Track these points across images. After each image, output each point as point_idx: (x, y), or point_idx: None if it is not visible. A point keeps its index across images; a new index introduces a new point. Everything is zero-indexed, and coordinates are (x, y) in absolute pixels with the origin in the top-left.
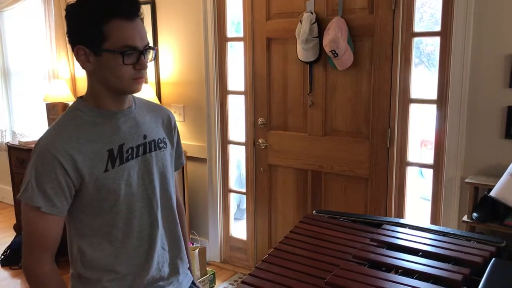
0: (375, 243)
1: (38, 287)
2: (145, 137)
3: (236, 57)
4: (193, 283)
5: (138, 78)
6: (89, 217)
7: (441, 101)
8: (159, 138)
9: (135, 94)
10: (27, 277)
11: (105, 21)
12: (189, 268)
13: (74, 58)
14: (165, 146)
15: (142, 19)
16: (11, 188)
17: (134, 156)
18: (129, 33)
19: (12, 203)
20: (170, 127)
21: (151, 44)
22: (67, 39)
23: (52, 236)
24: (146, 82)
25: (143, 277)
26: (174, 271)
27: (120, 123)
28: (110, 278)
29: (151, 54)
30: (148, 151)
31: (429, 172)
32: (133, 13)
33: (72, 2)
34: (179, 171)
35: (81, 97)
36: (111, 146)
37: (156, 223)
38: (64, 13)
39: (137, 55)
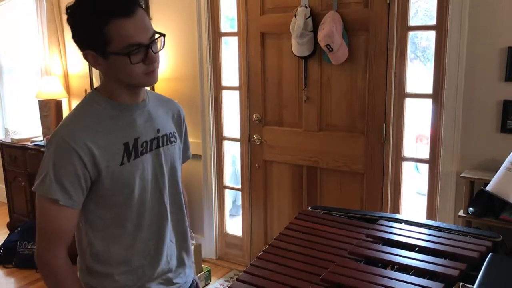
0: (370, 239)
1: (53, 279)
2: (158, 131)
3: (230, 52)
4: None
5: (150, 72)
6: (102, 210)
7: (437, 95)
8: (171, 132)
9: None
10: (42, 269)
11: (104, 24)
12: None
13: (64, 54)
14: (175, 140)
15: (143, 8)
16: (3, 186)
17: (148, 150)
18: (130, 31)
19: (5, 201)
20: (179, 121)
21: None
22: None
23: (68, 229)
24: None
25: (153, 270)
26: (181, 263)
27: (135, 116)
28: (121, 271)
29: (159, 43)
30: (160, 145)
31: (425, 167)
32: (131, 8)
33: (70, 6)
34: None
35: (96, 88)
36: (127, 140)
37: (165, 216)
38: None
39: (144, 50)
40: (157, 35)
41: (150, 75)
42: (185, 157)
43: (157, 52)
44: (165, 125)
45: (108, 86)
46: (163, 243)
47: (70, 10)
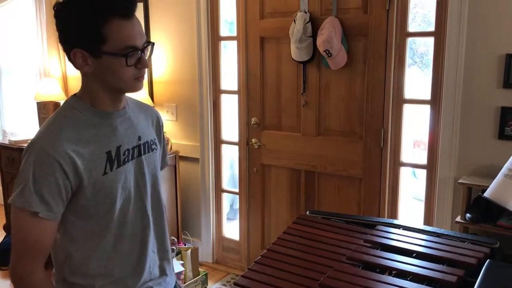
0: (369, 244)
1: None
2: (139, 138)
3: (229, 56)
4: (176, 283)
5: (140, 77)
6: (83, 220)
7: (435, 101)
8: (152, 140)
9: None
10: (17, 286)
11: (103, 22)
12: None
13: (63, 56)
14: (156, 147)
15: None
16: (0, 188)
17: (130, 158)
18: (129, 32)
19: (2, 203)
20: (159, 128)
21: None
22: (59, 42)
23: (47, 242)
24: None
25: (136, 281)
26: (162, 272)
27: (117, 123)
28: (103, 283)
29: (149, 50)
30: (142, 153)
31: (422, 173)
32: (131, 11)
33: (61, 1)
34: (171, 171)
35: (75, 94)
36: (109, 148)
37: (148, 226)
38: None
39: (138, 54)
40: (146, 43)
41: (139, 80)
42: (163, 164)
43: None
44: (145, 132)
45: (91, 91)
46: (146, 253)
47: (61, 5)
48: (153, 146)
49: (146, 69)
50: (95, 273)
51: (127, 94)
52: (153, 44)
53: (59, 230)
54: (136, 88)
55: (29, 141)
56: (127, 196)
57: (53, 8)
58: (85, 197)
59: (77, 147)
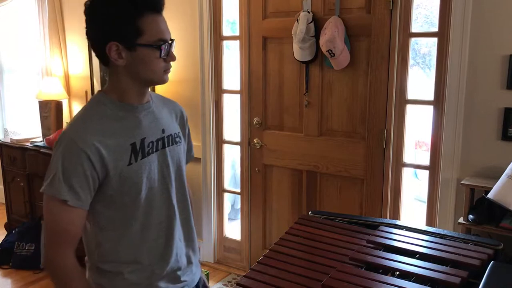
0: (371, 245)
1: (62, 280)
2: (163, 131)
3: (232, 56)
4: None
5: (168, 69)
6: (110, 210)
7: (438, 102)
8: (175, 133)
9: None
10: (51, 271)
11: (139, 15)
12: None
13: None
14: (180, 140)
15: None
16: (1, 186)
17: (154, 150)
18: (160, 26)
19: (3, 201)
20: (183, 122)
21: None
22: (88, 38)
23: (77, 229)
24: None
25: (163, 268)
26: (189, 261)
27: (141, 117)
28: (131, 269)
29: (173, 46)
30: (166, 146)
31: (424, 173)
32: (162, 6)
33: None
34: None
35: (102, 90)
36: (134, 140)
37: (173, 215)
38: (80, 8)
39: (168, 47)
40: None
41: (166, 73)
42: (189, 157)
43: None
44: (170, 125)
45: (118, 86)
46: (172, 241)
47: (96, 1)
48: (177, 139)
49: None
50: (124, 261)
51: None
52: (174, 40)
53: (89, 219)
54: (164, 80)
55: (60, 134)
56: (152, 186)
57: (85, 4)
58: (112, 187)
59: (103, 138)
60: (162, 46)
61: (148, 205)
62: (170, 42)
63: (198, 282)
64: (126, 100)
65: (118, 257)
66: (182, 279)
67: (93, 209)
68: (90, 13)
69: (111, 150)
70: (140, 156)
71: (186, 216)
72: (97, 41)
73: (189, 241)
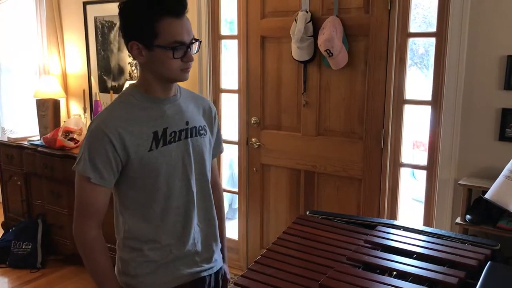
0: (369, 245)
1: (85, 250)
2: (187, 123)
3: (230, 55)
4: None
5: (185, 68)
6: (133, 191)
7: (436, 102)
8: (200, 126)
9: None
10: (77, 241)
11: (156, 20)
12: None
13: (63, 54)
14: (205, 133)
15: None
16: None
17: (177, 139)
18: (177, 29)
19: (0, 200)
20: (210, 117)
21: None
22: (120, 34)
23: (99, 205)
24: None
25: (181, 249)
26: (208, 248)
27: (166, 108)
28: (151, 247)
29: (196, 46)
30: (189, 136)
31: (422, 174)
32: (181, 11)
33: (125, 0)
34: None
35: (134, 84)
36: (156, 129)
37: (192, 201)
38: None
39: (184, 49)
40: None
41: (184, 72)
42: (217, 151)
43: (194, 54)
44: (195, 118)
45: (145, 80)
46: (191, 225)
47: (126, 3)
48: (202, 132)
49: (192, 62)
50: (145, 239)
51: (182, 85)
52: (200, 41)
53: (116, 199)
54: (182, 78)
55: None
56: (172, 172)
57: (118, 6)
58: (133, 170)
59: (126, 125)
60: (176, 48)
61: (168, 189)
62: (189, 43)
63: (218, 271)
64: (152, 93)
65: (140, 234)
66: (200, 264)
67: (119, 190)
68: (119, 13)
69: (133, 136)
70: (161, 143)
71: (206, 205)
72: (124, 39)
73: (208, 229)
